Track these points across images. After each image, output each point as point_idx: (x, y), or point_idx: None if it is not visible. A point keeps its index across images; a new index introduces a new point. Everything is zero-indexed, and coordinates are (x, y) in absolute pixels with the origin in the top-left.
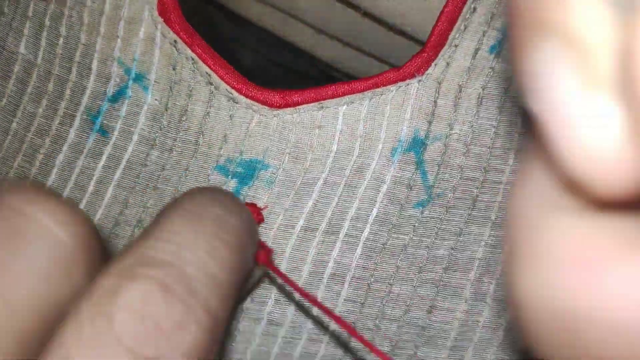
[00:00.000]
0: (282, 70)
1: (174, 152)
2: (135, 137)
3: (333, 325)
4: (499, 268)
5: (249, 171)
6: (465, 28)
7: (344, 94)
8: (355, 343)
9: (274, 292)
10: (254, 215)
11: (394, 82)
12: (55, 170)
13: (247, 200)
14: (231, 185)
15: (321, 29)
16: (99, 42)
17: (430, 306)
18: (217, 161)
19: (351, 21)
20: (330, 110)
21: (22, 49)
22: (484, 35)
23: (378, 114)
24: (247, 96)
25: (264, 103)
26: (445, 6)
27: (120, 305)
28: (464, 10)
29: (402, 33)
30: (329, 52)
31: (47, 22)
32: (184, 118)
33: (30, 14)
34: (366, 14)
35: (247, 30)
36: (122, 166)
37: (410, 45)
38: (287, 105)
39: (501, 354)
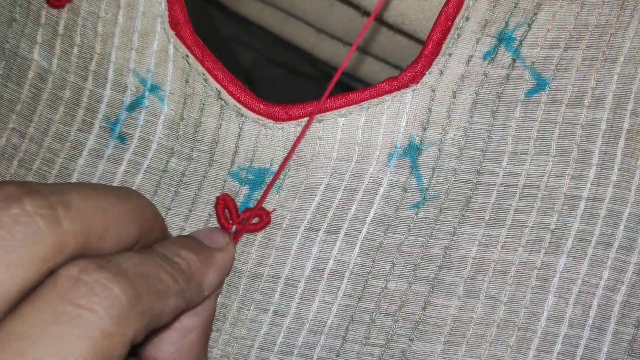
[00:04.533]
0: (282, 70)
1: (192, 160)
2: (154, 145)
3: (332, 319)
4: (491, 266)
5: (259, 178)
6: (458, 36)
7: (341, 106)
8: (352, 335)
9: (280, 285)
10: (263, 217)
11: (389, 92)
12: (75, 174)
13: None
14: (244, 191)
15: (321, 28)
16: (113, 53)
17: (424, 302)
18: (231, 169)
19: (351, 20)
20: (330, 122)
21: (35, 56)
22: (477, 43)
23: (375, 123)
24: (254, 111)
25: (269, 117)
26: (438, 16)
27: None
28: (457, 19)
29: (401, 32)
30: (328, 51)
31: (61, 30)
32: (199, 129)
33: (42, 21)
34: (366, 13)
35: (247, 29)
36: (142, 171)
37: (410, 44)
38: (290, 119)
39: (494, 349)
